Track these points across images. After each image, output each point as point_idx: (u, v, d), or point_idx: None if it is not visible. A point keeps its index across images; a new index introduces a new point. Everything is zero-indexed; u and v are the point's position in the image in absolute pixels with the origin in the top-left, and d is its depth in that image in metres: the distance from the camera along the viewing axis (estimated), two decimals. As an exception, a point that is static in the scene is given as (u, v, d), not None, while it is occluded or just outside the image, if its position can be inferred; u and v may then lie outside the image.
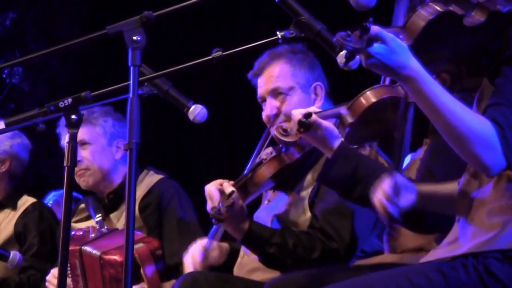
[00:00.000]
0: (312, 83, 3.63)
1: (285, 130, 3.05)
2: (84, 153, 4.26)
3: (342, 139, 3.00)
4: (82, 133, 4.23)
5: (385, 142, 3.09)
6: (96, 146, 4.27)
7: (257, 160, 3.50)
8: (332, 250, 3.37)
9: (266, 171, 3.42)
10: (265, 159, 3.47)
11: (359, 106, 2.91)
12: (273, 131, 3.56)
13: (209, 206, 3.35)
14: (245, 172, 3.46)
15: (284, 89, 3.58)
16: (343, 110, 2.96)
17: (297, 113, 3.01)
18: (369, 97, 2.90)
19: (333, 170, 2.98)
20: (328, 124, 2.97)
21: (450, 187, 2.62)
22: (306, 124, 2.94)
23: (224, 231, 3.53)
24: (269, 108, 3.59)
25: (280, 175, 3.47)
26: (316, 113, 2.99)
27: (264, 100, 3.65)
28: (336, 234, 3.36)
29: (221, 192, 3.33)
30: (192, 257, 3.53)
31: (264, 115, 3.62)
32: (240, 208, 3.35)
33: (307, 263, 3.36)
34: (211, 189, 3.37)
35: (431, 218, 2.72)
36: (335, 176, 2.97)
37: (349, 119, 2.94)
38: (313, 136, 2.99)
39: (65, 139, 4.31)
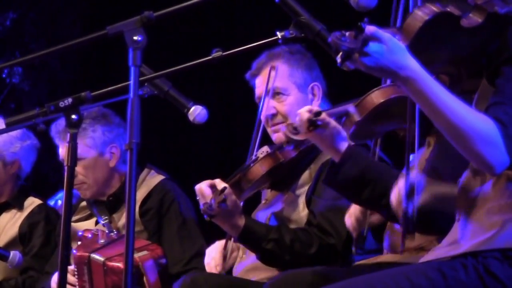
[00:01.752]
0: (309, 83, 3.64)
1: (295, 128, 3.03)
2: (77, 168, 4.11)
3: (350, 141, 3.00)
4: None
5: (386, 141, 3.09)
6: (87, 160, 4.22)
7: (253, 157, 3.51)
8: (330, 246, 3.38)
9: (260, 168, 3.44)
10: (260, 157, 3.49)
11: (368, 105, 2.91)
12: (273, 130, 3.58)
13: (201, 203, 3.35)
14: (239, 169, 3.47)
15: (282, 90, 3.59)
16: (351, 108, 2.96)
17: (304, 111, 3.00)
18: (378, 96, 2.90)
19: (341, 173, 2.97)
20: (336, 124, 2.96)
21: None
22: (316, 123, 2.94)
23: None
24: (266, 108, 3.60)
25: (275, 173, 3.47)
26: (323, 111, 2.99)
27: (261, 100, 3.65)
28: (333, 230, 3.38)
29: (213, 188, 3.33)
30: (214, 260, 3.53)
31: (262, 115, 3.62)
32: (234, 204, 3.34)
33: (305, 258, 3.36)
34: (202, 186, 3.37)
35: (443, 220, 2.73)
36: (343, 179, 2.97)
37: (357, 117, 2.93)
38: (320, 136, 2.98)
39: (62, 152, 4.29)
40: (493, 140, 2.32)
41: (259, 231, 3.40)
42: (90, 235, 4.06)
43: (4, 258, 4.24)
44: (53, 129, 4.26)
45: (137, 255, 3.83)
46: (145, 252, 3.90)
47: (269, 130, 3.62)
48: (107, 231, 4.10)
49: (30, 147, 4.71)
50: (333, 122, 2.96)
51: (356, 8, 2.44)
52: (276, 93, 3.59)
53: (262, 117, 3.61)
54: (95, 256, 3.98)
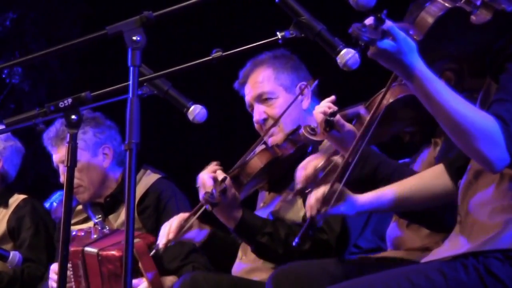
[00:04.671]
0: (297, 83, 3.64)
1: (313, 129, 3.05)
2: None
3: None
4: (64, 153, 4.22)
5: (391, 142, 3.09)
6: (81, 162, 4.20)
7: (251, 154, 3.52)
8: (323, 242, 3.38)
9: (258, 161, 3.44)
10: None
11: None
12: (266, 138, 3.58)
13: (201, 193, 3.36)
14: (237, 164, 3.48)
15: (269, 94, 3.60)
16: (361, 110, 2.97)
17: (318, 112, 3.00)
18: (387, 96, 2.91)
19: (354, 172, 2.97)
20: (350, 126, 2.97)
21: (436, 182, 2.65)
22: (332, 123, 2.95)
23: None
24: (257, 114, 3.62)
25: (273, 168, 3.47)
26: (337, 112, 2.99)
27: (253, 107, 3.66)
28: (326, 226, 3.38)
29: (214, 179, 3.35)
30: (169, 225, 3.52)
31: (254, 121, 3.63)
32: (233, 196, 3.36)
33: (298, 253, 3.36)
34: (204, 177, 3.39)
35: (449, 217, 2.73)
36: (356, 177, 2.97)
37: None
38: (335, 137, 2.99)
39: (56, 158, 4.29)
40: (494, 138, 2.32)
41: (255, 224, 3.42)
42: (83, 233, 4.09)
43: (4, 258, 4.25)
44: (44, 138, 4.28)
45: None
46: (138, 240, 3.92)
47: (263, 135, 3.61)
48: (99, 228, 4.11)
49: (14, 149, 4.73)
50: (347, 125, 2.96)
51: (355, 8, 2.44)
52: (264, 99, 3.61)
53: (255, 124, 3.62)
54: (89, 248, 4.00)
